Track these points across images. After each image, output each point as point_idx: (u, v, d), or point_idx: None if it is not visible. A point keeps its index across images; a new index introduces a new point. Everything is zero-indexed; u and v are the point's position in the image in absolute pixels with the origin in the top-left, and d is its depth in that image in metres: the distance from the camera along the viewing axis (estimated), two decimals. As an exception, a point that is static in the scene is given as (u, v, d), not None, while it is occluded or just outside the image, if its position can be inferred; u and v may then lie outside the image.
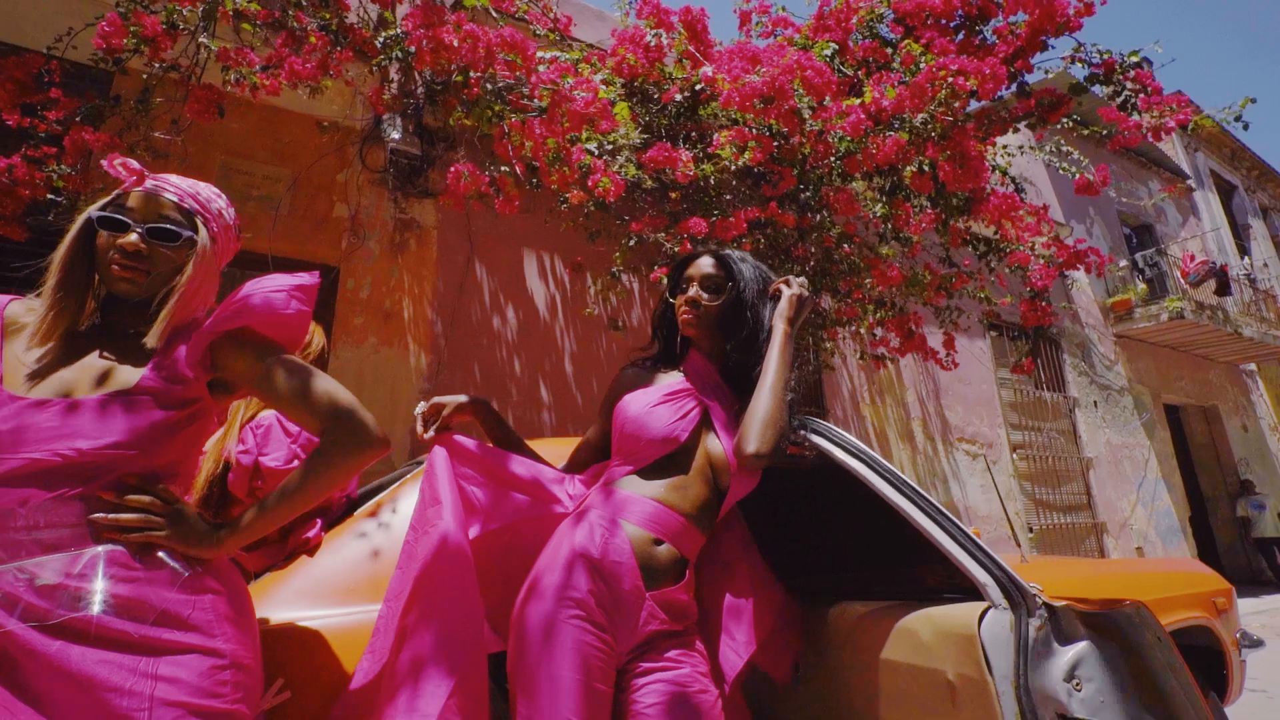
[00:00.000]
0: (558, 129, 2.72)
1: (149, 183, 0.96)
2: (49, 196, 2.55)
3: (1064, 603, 0.79)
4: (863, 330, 4.54)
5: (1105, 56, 3.15)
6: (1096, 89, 3.27)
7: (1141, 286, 8.28)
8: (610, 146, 3.22)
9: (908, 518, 0.92)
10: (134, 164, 0.97)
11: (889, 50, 3.60)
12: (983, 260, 4.27)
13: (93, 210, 0.93)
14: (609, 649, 0.93)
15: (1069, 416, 7.28)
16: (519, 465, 1.17)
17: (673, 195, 3.57)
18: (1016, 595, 0.81)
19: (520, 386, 4.11)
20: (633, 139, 3.24)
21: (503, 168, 3.12)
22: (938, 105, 3.10)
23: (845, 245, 4.11)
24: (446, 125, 4.24)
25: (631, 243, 3.72)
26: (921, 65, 3.13)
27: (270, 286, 0.96)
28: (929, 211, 3.98)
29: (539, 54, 3.32)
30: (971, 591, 0.85)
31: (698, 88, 3.52)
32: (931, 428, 5.94)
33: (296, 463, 1.26)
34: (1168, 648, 0.78)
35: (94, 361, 0.89)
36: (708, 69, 3.44)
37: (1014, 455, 6.52)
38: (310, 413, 0.94)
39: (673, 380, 1.19)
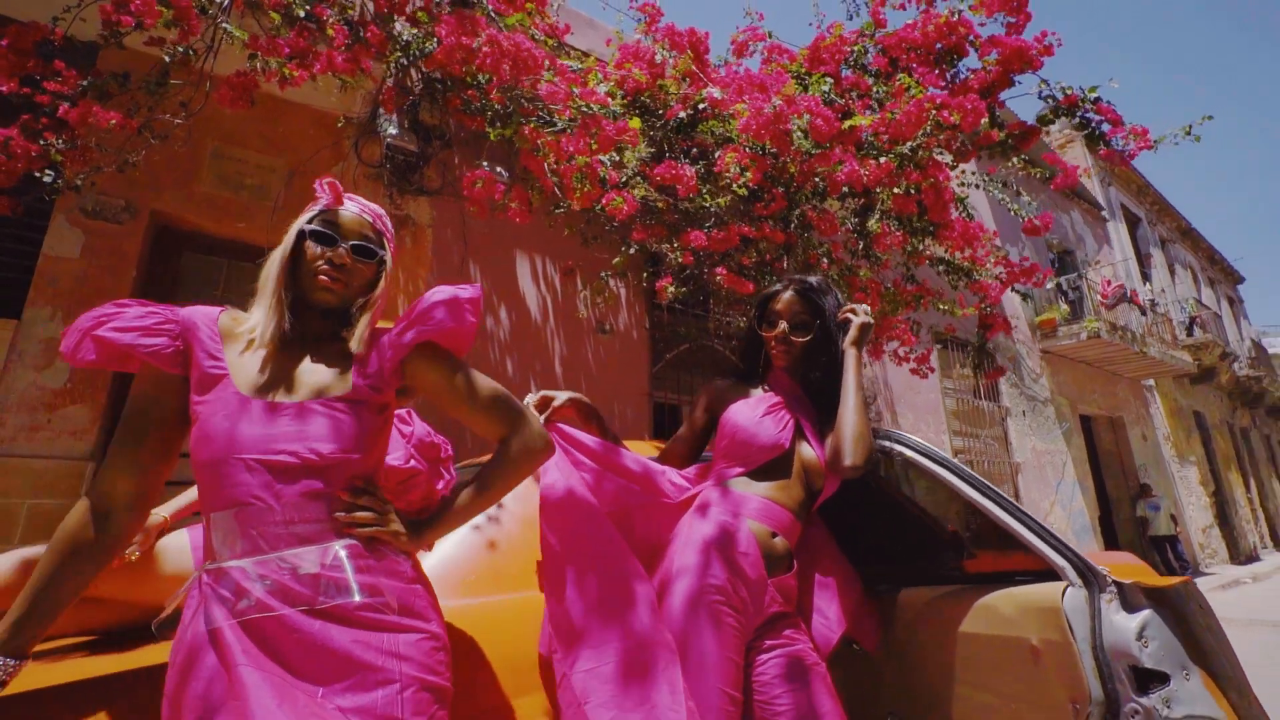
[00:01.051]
0: (585, 148, 2.82)
1: (349, 204, 1.04)
2: (45, 172, 2.43)
3: (1130, 581, 1.01)
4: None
5: (1068, 93, 3.54)
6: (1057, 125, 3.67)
7: (1064, 307, 9.12)
8: (618, 160, 3.34)
9: (989, 514, 1.11)
10: (336, 184, 1.04)
11: (870, 80, 3.90)
12: (947, 278, 4.66)
13: (303, 224, 1.00)
14: (742, 628, 1.07)
15: (1001, 424, 7.95)
16: (628, 457, 1.29)
17: (683, 208, 3.71)
18: (1090, 575, 1.03)
19: (512, 388, 4.13)
20: (642, 153, 3.37)
21: (508, 176, 3.18)
22: (924, 134, 3.41)
23: (825, 261, 4.40)
24: (443, 123, 4.26)
25: (632, 250, 3.85)
26: (910, 96, 3.42)
27: (450, 301, 1.04)
28: (897, 234, 4.31)
29: (549, 64, 3.42)
30: (1042, 574, 1.06)
31: (700, 106, 3.70)
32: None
33: (413, 463, 1.33)
34: (1208, 613, 1.00)
35: (308, 367, 0.96)
36: (714, 91, 3.63)
37: (955, 459, 7.08)
38: (496, 421, 1.04)
39: (767, 395, 1.35)
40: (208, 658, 0.78)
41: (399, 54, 3.22)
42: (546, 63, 3.44)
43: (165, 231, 3.35)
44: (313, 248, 1.00)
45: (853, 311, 1.35)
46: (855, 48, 3.77)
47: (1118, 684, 0.93)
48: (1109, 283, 8.93)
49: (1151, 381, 11.23)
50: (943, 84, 3.54)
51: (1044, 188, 9.95)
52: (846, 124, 3.36)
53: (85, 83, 2.44)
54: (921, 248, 4.42)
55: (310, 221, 1.02)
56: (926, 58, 3.68)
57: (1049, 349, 8.88)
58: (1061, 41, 3.32)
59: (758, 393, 1.36)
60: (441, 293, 1.06)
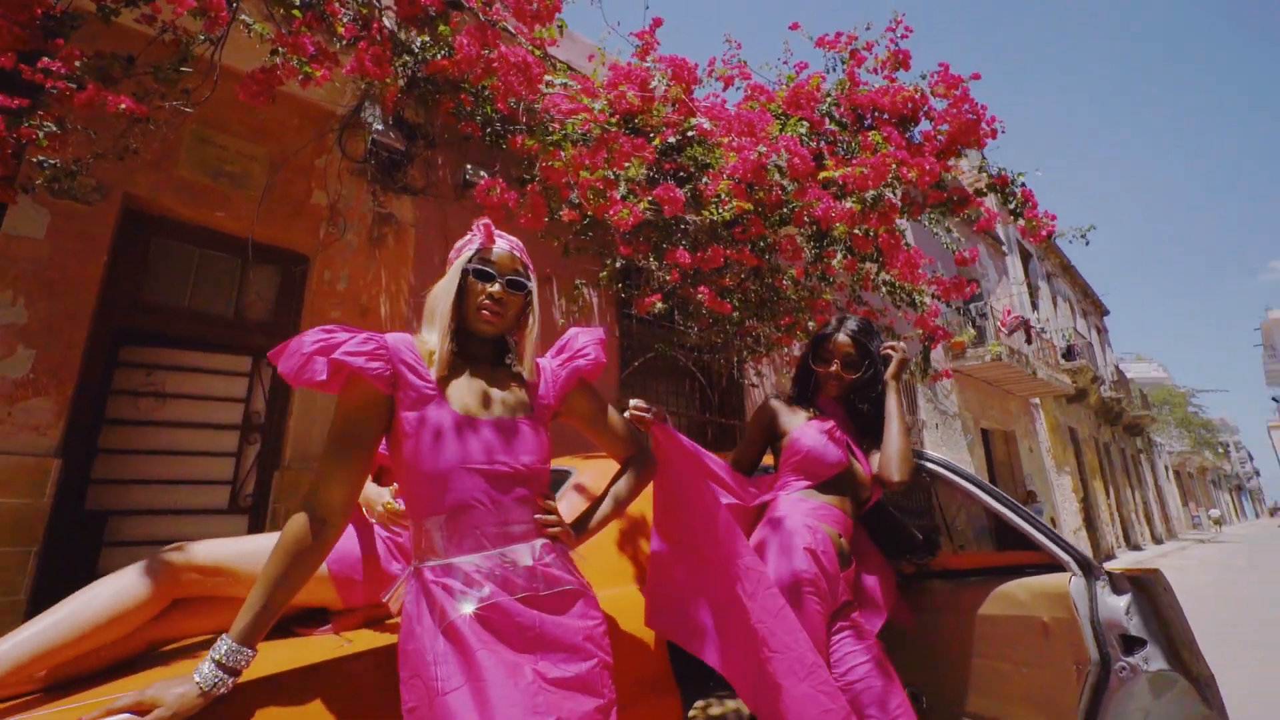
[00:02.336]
0: (601, 161, 2.97)
1: (499, 241, 1.16)
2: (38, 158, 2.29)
3: (1118, 570, 1.32)
4: (790, 354, 5.25)
5: (1001, 172, 4.10)
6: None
7: (972, 331, 10.14)
8: (614, 175, 3.51)
9: (1009, 521, 1.40)
10: (489, 224, 1.17)
11: (839, 129, 4.30)
12: (891, 298, 5.16)
13: (466, 264, 1.12)
14: (824, 613, 1.29)
15: (918, 435, 8.75)
16: (717, 463, 1.48)
17: (681, 226, 3.91)
18: (1087, 567, 1.33)
19: (490, 390, 4.19)
20: (641, 172, 3.55)
21: (501, 184, 3.27)
22: (886, 186, 3.82)
23: (787, 283, 4.76)
24: (428, 123, 4.24)
25: (618, 264, 4.01)
26: (876, 151, 3.83)
27: (598, 342, 1.22)
28: (850, 259, 4.75)
29: (549, 79, 3.53)
30: (1042, 567, 1.36)
31: (689, 133, 3.93)
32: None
33: None
34: (1170, 593, 1.32)
35: (492, 389, 1.08)
36: (704, 121, 3.87)
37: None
38: (625, 444, 1.23)
39: (826, 420, 1.58)
40: (440, 643, 0.89)
41: (408, 57, 3.23)
42: (548, 76, 3.55)
43: (135, 215, 3.16)
44: (474, 284, 1.12)
45: (892, 349, 1.61)
46: (829, 99, 4.15)
47: (1110, 648, 1.23)
48: (1009, 311, 10.04)
49: (1037, 400, 12.67)
50: (903, 144, 3.97)
51: (957, 223, 11.04)
52: (821, 175, 3.70)
53: (81, 62, 2.32)
54: (871, 274, 4.89)
55: (470, 260, 1.13)
56: (890, 120, 4.12)
57: (958, 369, 9.85)
58: (1005, 129, 3.86)
59: (813, 415, 1.59)
60: (590, 334, 1.23)
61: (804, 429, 1.53)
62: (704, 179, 3.83)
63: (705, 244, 4.08)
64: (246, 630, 0.89)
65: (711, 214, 3.71)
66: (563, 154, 2.93)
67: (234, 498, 3.28)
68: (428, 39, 3.11)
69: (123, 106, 2.28)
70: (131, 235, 3.14)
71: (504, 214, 3.17)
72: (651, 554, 1.30)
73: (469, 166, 4.33)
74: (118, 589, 1.03)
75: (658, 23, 3.71)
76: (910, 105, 4.11)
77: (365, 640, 1.15)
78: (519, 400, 1.09)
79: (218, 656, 0.86)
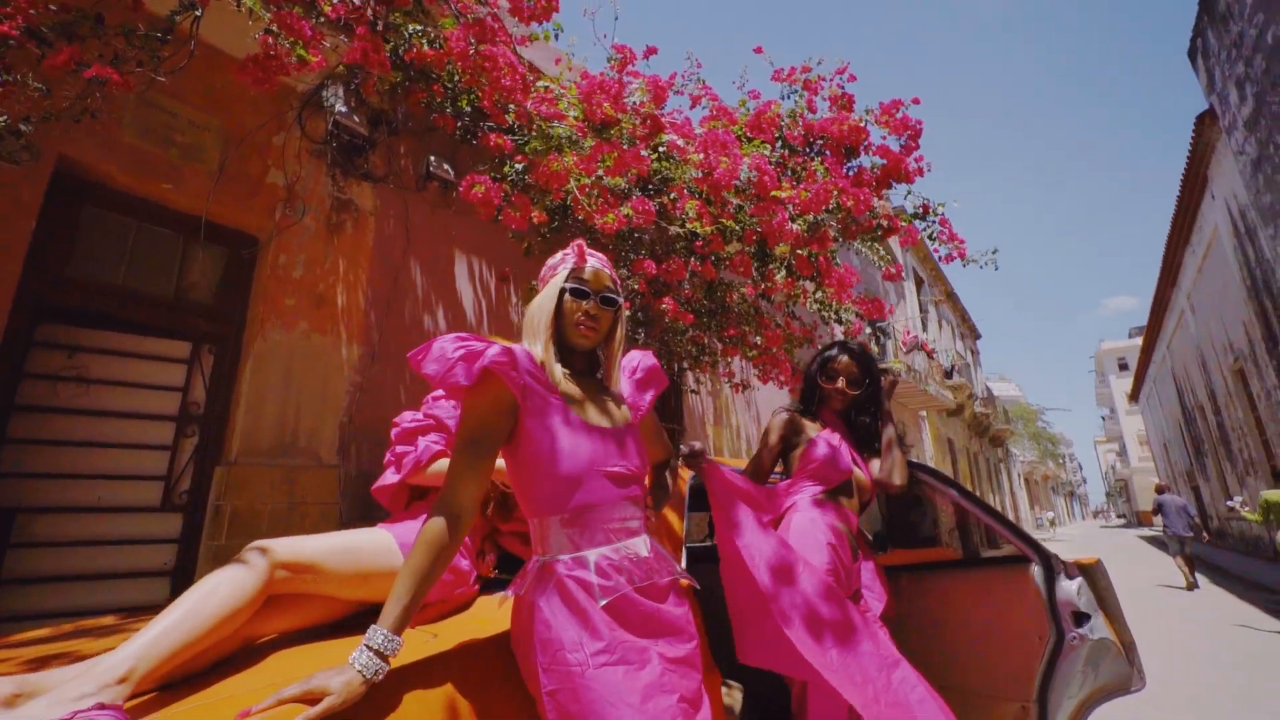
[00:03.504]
0: (593, 168, 3.06)
1: (591, 260, 1.26)
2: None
3: (1070, 560, 1.62)
4: (732, 364, 5.55)
5: (925, 202, 4.62)
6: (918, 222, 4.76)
7: (875, 349, 11.10)
8: (608, 183, 3.59)
9: (983, 520, 1.67)
10: (582, 245, 1.26)
11: (789, 153, 4.65)
12: (822, 316, 5.61)
13: (562, 284, 1.20)
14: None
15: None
16: (745, 483, 1.64)
17: (642, 236, 4.04)
18: (1047, 557, 1.63)
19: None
20: (621, 182, 3.66)
21: (453, 174, 3.29)
22: (827, 211, 4.20)
23: (736, 295, 5.05)
24: (392, 110, 4.11)
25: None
26: (822, 178, 4.19)
27: (659, 368, 1.35)
28: (789, 279, 5.13)
29: (539, 84, 3.58)
30: (1009, 559, 1.65)
31: (660, 149, 4.10)
32: (752, 447, 7.29)
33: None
34: (1107, 577, 1.65)
35: (601, 399, 1.17)
36: (676, 139, 4.06)
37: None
38: (664, 449, 1.41)
39: (833, 433, 1.79)
40: (579, 631, 0.99)
41: (399, 43, 3.15)
42: (534, 80, 3.59)
43: (68, 179, 2.85)
44: (570, 301, 1.21)
45: (886, 371, 1.86)
46: (785, 123, 4.47)
47: (1064, 623, 1.53)
48: (908, 332, 11.09)
49: (924, 413, 14.05)
50: (844, 174, 4.38)
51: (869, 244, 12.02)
52: (773, 193, 4.00)
53: (51, 25, 2.10)
54: (807, 292, 5.31)
55: (567, 280, 1.22)
56: (836, 148, 4.52)
57: (863, 382, 10.76)
58: (931, 167, 4.38)
59: (818, 427, 1.80)
60: (649, 358, 1.35)
61: (817, 439, 1.74)
62: (671, 194, 4.01)
63: (665, 256, 4.26)
64: (398, 620, 0.93)
65: (688, 227, 3.89)
66: (565, 159, 2.99)
67: (167, 495, 3.03)
68: (418, 27, 3.05)
69: (107, 78, 2.10)
70: (63, 201, 2.83)
71: (489, 210, 3.17)
72: (729, 597, 1.43)
73: (432, 158, 4.24)
74: (230, 586, 1.02)
75: (652, 50, 3.84)
76: (855, 136, 4.53)
77: (450, 634, 1.21)
78: (620, 409, 1.20)
79: (375, 645, 0.90)
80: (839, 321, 5.55)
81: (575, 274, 1.24)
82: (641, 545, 1.10)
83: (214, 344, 3.28)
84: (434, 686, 1.00)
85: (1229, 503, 6.07)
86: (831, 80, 4.64)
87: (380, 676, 0.89)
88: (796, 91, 4.60)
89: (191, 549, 3.00)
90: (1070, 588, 1.56)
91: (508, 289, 4.69)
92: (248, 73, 2.20)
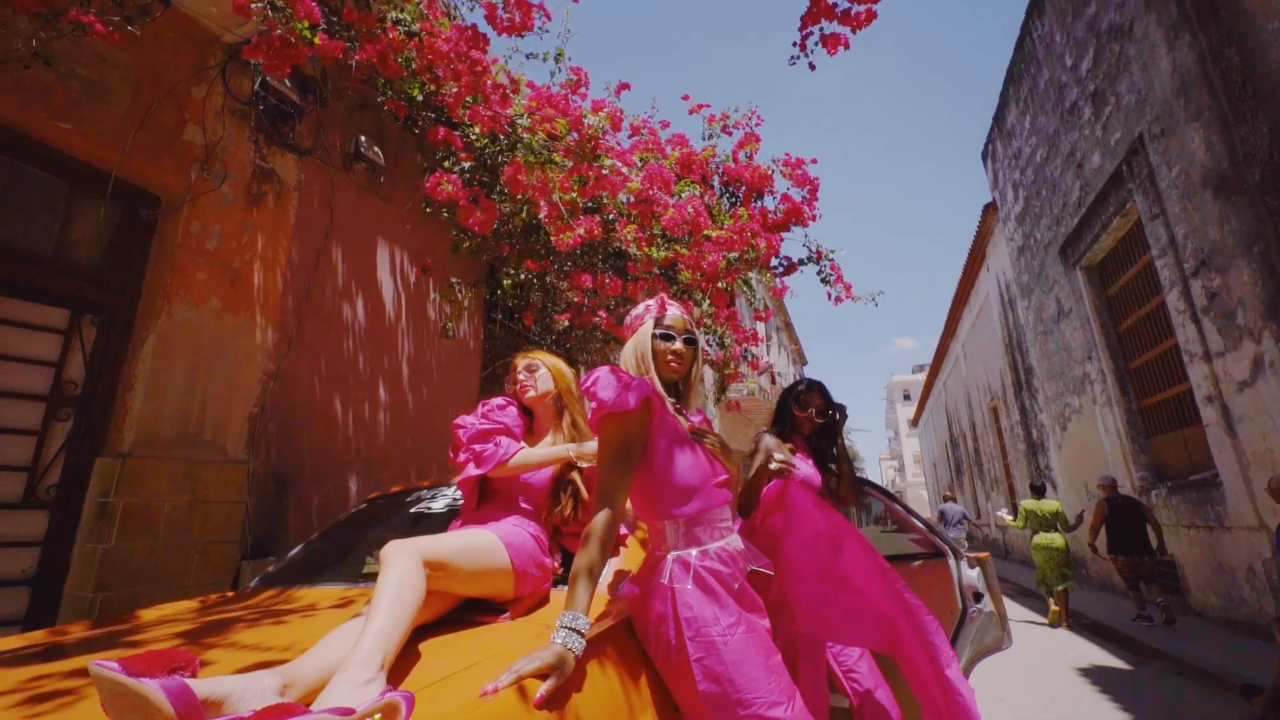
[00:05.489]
0: (568, 184, 3.19)
1: (671, 308, 1.49)
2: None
3: (970, 554, 2.15)
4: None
5: (818, 247, 5.39)
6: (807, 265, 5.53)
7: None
8: (567, 199, 3.72)
9: (914, 525, 2.15)
10: (662, 297, 1.50)
11: (715, 194, 5.15)
12: (708, 339, 6.19)
13: (653, 331, 1.43)
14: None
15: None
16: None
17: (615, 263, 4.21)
18: (957, 551, 2.14)
19: (361, 382, 3.91)
20: (578, 200, 3.81)
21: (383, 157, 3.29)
22: (743, 251, 4.75)
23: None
24: (324, 81, 3.84)
25: (522, 277, 4.15)
26: (742, 220, 4.73)
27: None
28: (689, 304, 5.63)
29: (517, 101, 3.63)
30: (930, 554, 2.16)
31: (605, 172, 4.32)
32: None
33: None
34: (993, 566, 2.21)
35: (687, 420, 1.40)
36: (622, 166, 4.31)
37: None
38: None
39: (803, 453, 2.17)
40: (715, 608, 1.21)
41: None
42: (513, 92, 3.62)
43: (-68, 99, 2.32)
44: (659, 344, 1.45)
45: (841, 406, 2.30)
46: (714, 168, 4.96)
47: (968, 601, 2.06)
48: (762, 356, 12.38)
49: (765, 427, 15.67)
50: (758, 217, 4.97)
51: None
52: (705, 232, 4.45)
53: None
54: (703, 317, 5.86)
55: (656, 327, 1.46)
56: (748, 192, 5.11)
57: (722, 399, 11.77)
58: (822, 214, 5.14)
59: (791, 448, 2.17)
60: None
61: (798, 461, 2.11)
62: (609, 215, 4.25)
63: (601, 271, 4.48)
64: (586, 604, 1.09)
65: (632, 252, 4.15)
66: (551, 172, 3.09)
67: (31, 488, 2.56)
68: (402, 15, 2.97)
69: (88, 25, 1.84)
70: (-77, 125, 2.29)
71: (451, 210, 3.16)
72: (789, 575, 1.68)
73: (363, 138, 4.01)
74: (415, 577, 1.07)
75: (624, 86, 4.03)
76: (762, 181, 5.16)
77: (547, 624, 1.35)
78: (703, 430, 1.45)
79: (575, 626, 1.05)
80: (721, 345, 6.18)
81: (660, 321, 1.47)
82: (737, 540, 1.36)
83: (99, 314, 2.82)
84: (601, 662, 1.16)
85: (1000, 512, 7.77)
86: (748, 123, 5.22)
87: (581, 651, 1.04)
88: (716, 133, 5.11)
89: (60, 553, 2.56)
90: (972, 574, 2.12)
91: (428, 283, 4.55)
92: (262, 55, 2.05)
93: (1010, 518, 7.14)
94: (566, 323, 4.08)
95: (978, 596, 2.07)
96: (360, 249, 4.03)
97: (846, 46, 2.21)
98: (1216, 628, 5.49)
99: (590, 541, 1.15)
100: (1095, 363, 7.67)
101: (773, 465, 1.81)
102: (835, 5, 2.15)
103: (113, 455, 2.66)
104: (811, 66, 2.29)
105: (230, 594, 1.94)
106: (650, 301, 1.52)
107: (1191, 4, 4.91)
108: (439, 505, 2.03)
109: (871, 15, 2.15)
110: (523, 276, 4.13)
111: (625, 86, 4.11)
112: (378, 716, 0.77)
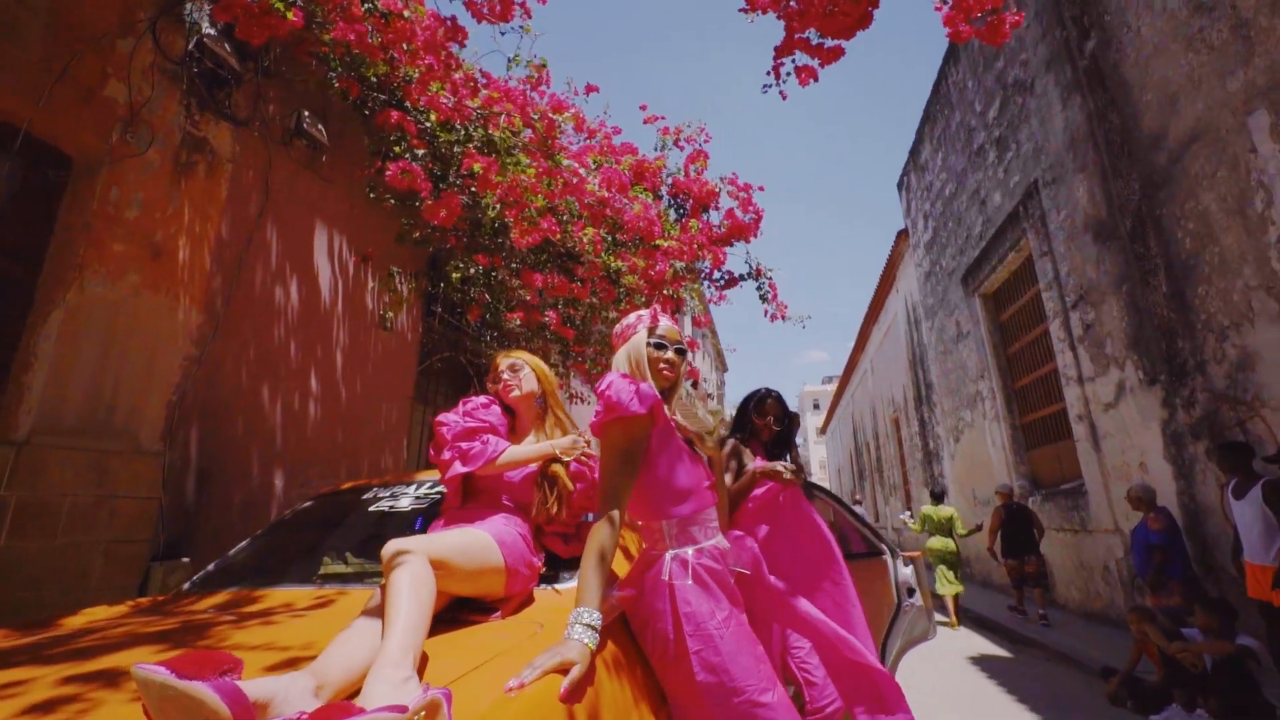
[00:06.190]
0: (538, 187, 3.16)
1: (663, 320, 1.57)
2: None
3: (904, 554, 2.35)
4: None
5: (758, 265, 5.64)
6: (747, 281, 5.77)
7: (662, 372, 12.48)
8: (541, 203, 3.67)
9: (857, 526, 2.33)
10: (656, 309, 1.57)
11: (663, 203, 5.28)
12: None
13: (647, 340, 1.50)
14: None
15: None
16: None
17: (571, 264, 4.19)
18: (893, 550, 2.33)
19: (291, 372, 3.68)
20: (542, 202, 3.78)
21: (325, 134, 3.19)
22: (690, 262, 4.91)
23: (598, 317, 5.44)
24: (263, 49, 3.60)
25: (471, 271, 4.07)
26: (692, 232, 4.88)
27: None
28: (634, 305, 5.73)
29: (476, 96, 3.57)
30: (869, 552, 2.35)
31: (564, 173, 4.32)
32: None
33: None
34: (923, 565, 2.40)
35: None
36: (576, 165, 4.33)
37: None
38: None
39: (762, 458, 2.30)
40: (710, 603, 1.28)
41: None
42: (484, 85, 3.54)
43: None
44: (653, 352, 1.52)
45: (795, 414, 2.46)
46: (662, 179, 5.08)
47: (901, 595, 2.26)
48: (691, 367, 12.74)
49: (726, 433, 16.05)
50: (708, 230, 5.15)
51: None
52: (656, 241, 4.56)
53: None
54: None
55: (650, 336, 1.53)
56: (696, 205, 5.28)
57: (649, 401, 11.98)
58: (763, 231, 5.41)
59: (752, 455, 2.30)
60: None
61: (758, 463, 2.24)
62: (564, 215, 4.26)
63: (549, 271, 4.47)
64: (598, 599, 1.13)
65: (586, 255, 4.16)
66: (523, 176, 3.06)
67: (-101, 480, 2.23)
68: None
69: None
70: None
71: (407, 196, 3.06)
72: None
73: (306, 113, 3.78)
74: (426, 578, 1.05)
75: (592, 89, 4.03)
76: (709, 196, 5.36)
77: (555, 625, 1.38)
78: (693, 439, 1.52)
79: (590, 622, 1.09)
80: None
81: (653, 331, 1.54)
82: (723, 540, 1.44)
83: (-9, 284, 2.50)
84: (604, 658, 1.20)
85: (901, 515, 8.44)
86: (697, 139, 5.40)
87: (595, 645, 1.08)
88: (669, 145, 5.24)
89: (-66, 554, 2.25)
90: (906, 571, 2.33)
91: (367, 271, 4.35)
92: (244, 27, 1.92)
93: (911, 520, 7.76)
94: (518, 321, 4.03)
95: (910, 591, 2.29)
96: (296, 230, 3.79)
97: (815, 79, 2.37)
98: (1076, 619, 6.25)
99: (597, 537, 1.20)
100: (987, 381, 8.50)
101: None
102: (808, 39, 2.31)
103: (6, 443, 2.36)
104: (783, 95, 2.44)
105: (161, 598, 1.80)
106: (643, 312, 1.58)
107: (1084, 69, 5.59)
108: (404, 504, 1.97)
109: (840, 51, 2.33)
110: (471, 270, 4.05)
111: (594, 89, 4.13)
112: (423, 714, 0.78)
